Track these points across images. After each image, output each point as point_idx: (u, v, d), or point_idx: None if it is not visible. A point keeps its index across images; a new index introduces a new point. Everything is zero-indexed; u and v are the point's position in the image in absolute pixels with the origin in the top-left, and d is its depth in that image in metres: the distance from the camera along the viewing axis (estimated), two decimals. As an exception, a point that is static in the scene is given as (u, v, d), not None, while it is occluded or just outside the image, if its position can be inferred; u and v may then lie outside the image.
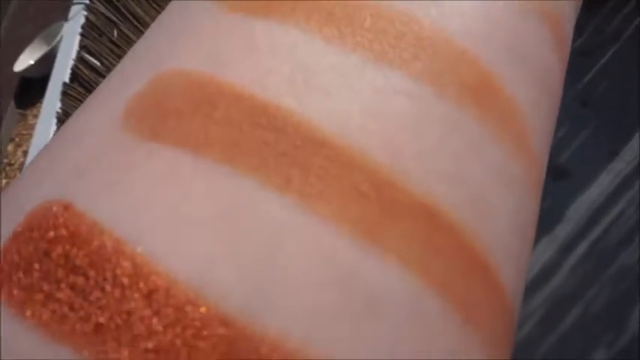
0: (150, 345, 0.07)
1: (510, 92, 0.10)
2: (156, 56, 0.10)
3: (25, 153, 1.18)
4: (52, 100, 0.84)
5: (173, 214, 0.08)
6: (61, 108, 0.78)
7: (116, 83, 0.11)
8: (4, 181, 1.24)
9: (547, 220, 0.93)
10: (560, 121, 0.94)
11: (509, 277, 0.10)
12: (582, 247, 0.92)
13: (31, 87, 1.30)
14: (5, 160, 1.26)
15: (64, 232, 0.08)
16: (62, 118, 0.79)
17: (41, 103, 0.91)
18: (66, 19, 0.98)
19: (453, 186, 0.09)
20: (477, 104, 0.10)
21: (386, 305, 0.08)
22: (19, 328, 0.08)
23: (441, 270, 0.09)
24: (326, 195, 0.08)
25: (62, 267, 0.08)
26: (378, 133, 0.09)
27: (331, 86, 0.09)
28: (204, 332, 0.08)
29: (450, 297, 0.09)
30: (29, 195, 0.09)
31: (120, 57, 0.78)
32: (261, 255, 0.08)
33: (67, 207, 0.09)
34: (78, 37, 0.83)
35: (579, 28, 1.04)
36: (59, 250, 0.08)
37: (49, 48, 1.23)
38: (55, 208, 0.09)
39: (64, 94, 0.78)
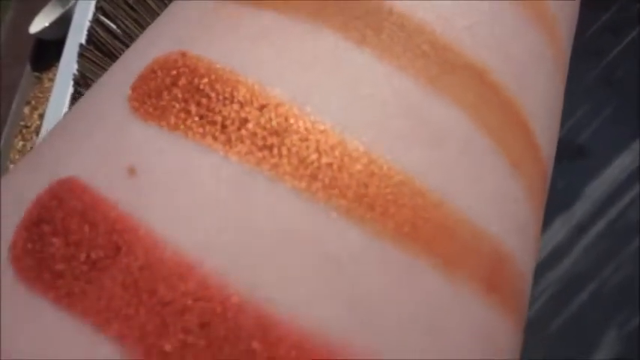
0: (259, 142, 0.09)
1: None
2: None
3: (41, 116, 1.18)
4: (68, 63, 0.83)
5: (278, 53, 0.10)
6: (77, 70, 0.78)
7: None
8: (20, 144, 1.24)
9: (564, 198, 0.92)
10: (582, 100, 0.92)
11: (545, 144, 0.12)
12: (598, 227, 0.91)
13: (47, 49, 1.29)
14: (22, 123, 1.27)
15: (185, 69, 0.10)
16: (79, 81, 0.78)
17: (57, 65, 0.91)
18: (82, -20, 0.96)
19: (500, 58, 0.11)
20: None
21: (446, 138, 0.10)
22: (157, 134, 0.09)
23: (491, 118, 0.11)
24: (395, 50, 0.10)
25: (188, 91, 0.10)
26: (436, 7, 0.11)
27: None
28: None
29: (499, 141, 0.11)
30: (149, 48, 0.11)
31: (136, 20, 0.77)
32: (344, 91, 0.10)
33: (184, 54, 0.10)
34: (94, -1, 0.82)
35: (606, 4, 1.01)
36: (183, 80, 0.10)
37: (65, 10, 1.22)
38: (173, 56, 0.10)
39: (81, 56, 0.77)
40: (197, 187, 0.09)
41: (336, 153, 0.09)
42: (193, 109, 0.09)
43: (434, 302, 0.09)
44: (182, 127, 0.09)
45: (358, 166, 0.09)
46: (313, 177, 0.09)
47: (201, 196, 0.09)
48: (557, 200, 0.92)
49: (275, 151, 0.09)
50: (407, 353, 0.09)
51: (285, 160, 0.09)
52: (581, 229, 0.92)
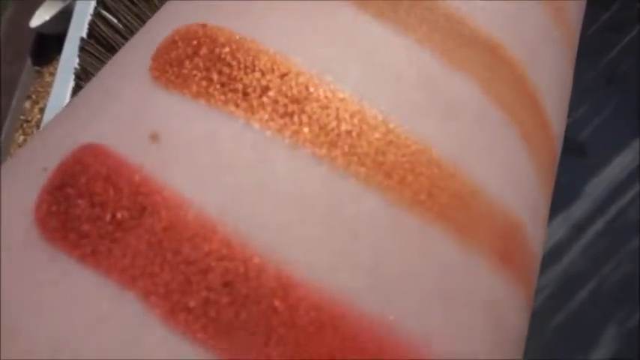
0: (280, 110, 0.09)
1: None
2: None
3: (42, 110, 1.18)
4: (69, 57, 0.83)
5: (298, 24, 0.10)
6: (78, 64, 0.77)
7: None
8: (21, 138, 1.24)
9: (563, 197, 0.93)
10: (583, 98, 0.92)
11: (555, 123, 0.12)
12: (597, 226, 0.91)
13: (48, 44, 1.29)
14: (22, 117, 1.27)
15: (206, 39, 0.10)
16: (80, 75, 0.78)
17: (58, 59, 0.90)
18: (84, -26, 0.96)
19: (512, 35, 0.11)
20: None
21: (461, 110, 0.10)
22: (179, 101, 0.10)
23: (504, 92, 0.11)
24: (412, 24, 0.10)
25: (209, 60, 0.10)
26: None
27: None
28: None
29: (511, 115, 0.11)
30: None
31: (137, 14, 0.77)
32: (363, 61, 0.10)
33: (204, 25, 0.10)
34: (96, -7, 0.82)
35: (607, 3, 1.01)
36: (204, 50, 0.10)
37: (65, 4, 1.22)
38: (193, 27, 0.10)
39: (82, 50, 0.77)
40: (219, 152, 0.09)
41: (355, 121, 0.09)
42: (215, 77, 0.10)
43: (447, 269, 0.10)
44: (204, 94, 0.10)
45: (377, 135, 0.09)
46: (333, 144, 0.09)
47: (223, 160, 0.09)
48: (556, 198, 0.92)
49: (296, 118, 0.09)
50: (419, 318, 0.09)
51: (305, 128, 0.09)
52: (580, 227, 0.92)
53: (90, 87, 0.11)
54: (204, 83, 0.10)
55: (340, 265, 0.09)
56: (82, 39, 0.78)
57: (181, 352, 0.08)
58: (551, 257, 0.91)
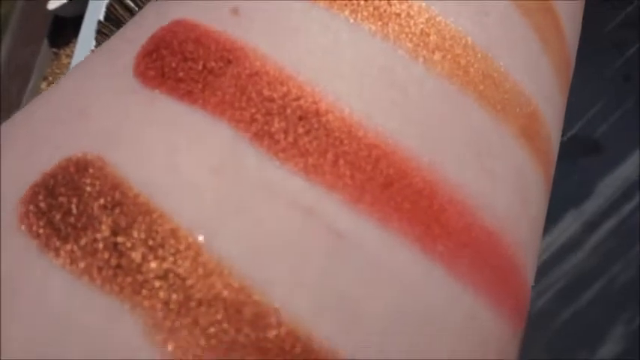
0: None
1: None
2: None
3: (57, 91, 1.18)
4: (86, 39, 0.84)
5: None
6: (95, 46, 0.78)
7: None
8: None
9: (575, 194, 0.92)
10: (599, 95, 0.90)
11: (569, 33, 0.14)
12: (609, 224, 0.91)
13: (65, 26, 1.30)
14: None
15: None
16: (95, 57, 0.79)
17: (74, 42, 0.91)
18: (102, -43, 0.96)
19: None
20: None
21: (491, 10, 0.12)
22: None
23: (525, 1, 0.13)
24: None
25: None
26: None
27: None
28: None
29: (532, 22, 0.13)
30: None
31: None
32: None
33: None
34: (114, -24, 0.82)
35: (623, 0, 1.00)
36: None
37: (83, -12, 1.22)
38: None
39: (99, 32, 0.78)
40: (291, 19, 0.11)
41: (404, 6, 0.12)
42: None
43: (480, 135, 0.12)
44: None
45: (422, 19, 0.12)
46: (385, 23, 0.11)
47: (294, 27, 0.11)
48: (569, 195, 0.91)
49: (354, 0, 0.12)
50: (457, 164, 0.11)
51: (363, 7, 0.11)
52: (592, 225, 0.91)
53: None
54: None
55: (393, 116, 0.11)
56: (99, 22, 0.79)
57: (267, 168, 0.10)
58: (561, 254, 0.90)
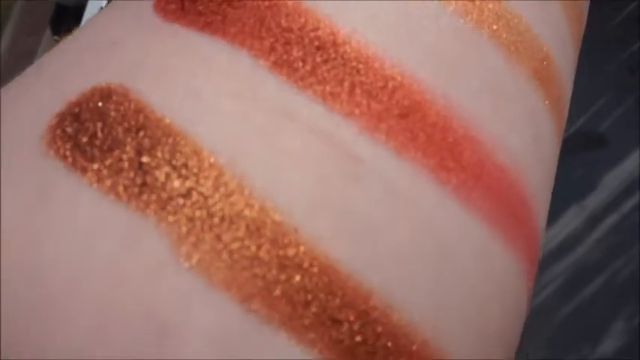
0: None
1: None
2: None
3: (59, 81, 1.18)
4: (87, 28, 0.83)
5: None
6: (96, 35, 0.78)
7: None
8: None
9: (578, 188, 0.91)
10: (605, 89, 0.90)
11: None
12: (612, 219, 0.90)
13: (67, 14, 1.30)
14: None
15: None
16: (97, 46, 0.79)
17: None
18: (104, -55, 0.96)
19: None
20: None
21: None
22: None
23: None
24: None
25: None
26: None
27: None
28: None
29: None
30: None
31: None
32: None
33: None
34: (116, -36, 0.82)
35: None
36: None
37: (86, -24, 1.22)
38: None
39: (100, 21, 0.77)
40: None
41: None
42: None
43: (494, 74, 0.12)
44: None
45: None
46: None
47: None
48: (572, 189, 0.91)
49: None
50: (473, 100, 0.11)
51: None
52: (594, 220, 0.91)
53: None
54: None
55: (408, 48, 0.11)
56: (101, 9, 0.78)
57: (286, 95, 0.10)
58: (563, 248, 0.90)
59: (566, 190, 0.91)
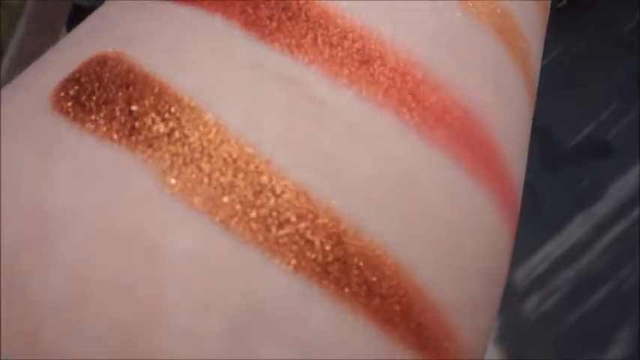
0: None
1: None
2: None
3: (73, 81, 1.19)
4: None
5: None
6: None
7: None
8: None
9: (585, 197, 0.91)
10: (612, 96, 0.89)
11: None
12: (619, 228, 0.90)
13: (84, 15, 1.31)
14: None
15: None
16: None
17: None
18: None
19: None
20: None
21: None
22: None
23: None
24: None
25: None
26: None
27: None
28: None
29: None
30: None
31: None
32: None
33: None
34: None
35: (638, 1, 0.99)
36: None
37: (101, -21, 1.23)
38: None
39: (115, 23, 0.78)
40: None
41: None
42: None
43: (450, 23, 0.13)
44: None
45: None
46: None
47: None
48: (579, 197, 0.91)
49: None
50: (431, 52, 0.12)
51: None
52: (601, 228, 0.91)
53: None
54: None
55: (365, 4, 0.12)
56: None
57: (256, 49, 0.12)
58: (569, 257, 0.90)
59: (573, 198, 0.91)
